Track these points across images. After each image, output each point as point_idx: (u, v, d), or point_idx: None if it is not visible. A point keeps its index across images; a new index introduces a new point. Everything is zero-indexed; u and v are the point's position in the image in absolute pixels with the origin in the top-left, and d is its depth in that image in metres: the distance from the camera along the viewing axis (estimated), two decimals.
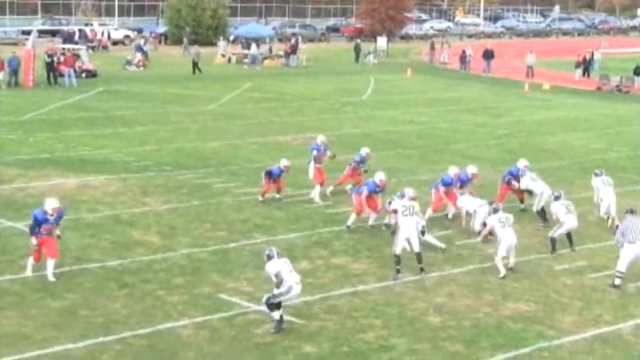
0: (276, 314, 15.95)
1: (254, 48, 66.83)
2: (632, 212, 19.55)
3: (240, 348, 15.36)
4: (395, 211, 19.89)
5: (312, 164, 25.54)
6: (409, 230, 19.24)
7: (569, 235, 21.52)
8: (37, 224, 18.09)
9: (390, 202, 21.28)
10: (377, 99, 49.17)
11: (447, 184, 23.46)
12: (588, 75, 63.95)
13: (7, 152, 30.40)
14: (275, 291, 15.88)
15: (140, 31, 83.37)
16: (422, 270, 19.24)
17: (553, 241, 21.33)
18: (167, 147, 32.46)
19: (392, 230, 20.91)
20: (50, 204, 18.23)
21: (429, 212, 23.18)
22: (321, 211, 24.18)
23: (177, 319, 16.44)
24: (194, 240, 21.28)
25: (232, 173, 28.45)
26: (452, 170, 23.67)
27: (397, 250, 19.14)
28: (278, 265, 15.97)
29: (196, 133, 35.78)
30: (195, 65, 59.48)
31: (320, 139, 26.33)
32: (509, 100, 50.46)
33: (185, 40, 72.53)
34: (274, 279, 15.95)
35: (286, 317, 16.23)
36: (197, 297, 17.57)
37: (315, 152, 25.54)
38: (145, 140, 33.50)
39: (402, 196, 20.39)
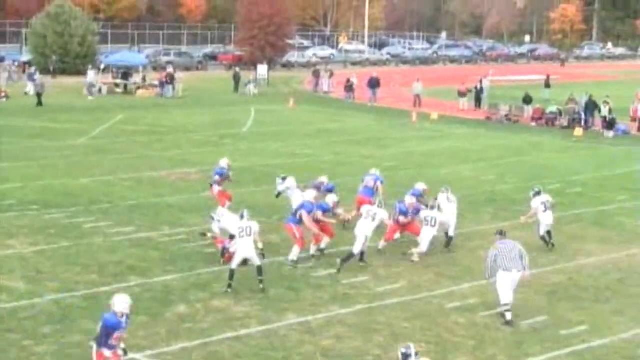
0: None
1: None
2: (501, 233, 20.05)
3: None
4: (232, 237, 20.84)
5: (215, 187, 26.55)
6: (247, 251, 20.57)
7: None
8: (107, 333, 14.15)
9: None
10: (259, 130, 49.27)
11: (404, 213, 24.31)
12: (480, 105, 64.61)
13: None
14: None
15: (1, 60, 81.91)
16: (261, 282, 20.61)
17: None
18: (32, 184, 31.87)
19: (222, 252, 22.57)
20: (122, 301, 14.36)
21: (382, 243, 24.38)
22: (200, 251, 24.02)
23: None
24: (62, 284, 20.89)
25: (103, 212, 28.09)
26: (408, 200, 24.58)
27: (233, 265, 20.61)
28: None
29: (64, 169, 35.24)
30: (39, 96, 58.03)
31: (225, 161, 27.39)
32: (396, 131, 51.13)
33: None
34: None
35: None
36: (67, 346, 17.23)
37: (218, 177, 26.52)
38: (8, 178, 32.83)
39: (242, 216, 21.02)
